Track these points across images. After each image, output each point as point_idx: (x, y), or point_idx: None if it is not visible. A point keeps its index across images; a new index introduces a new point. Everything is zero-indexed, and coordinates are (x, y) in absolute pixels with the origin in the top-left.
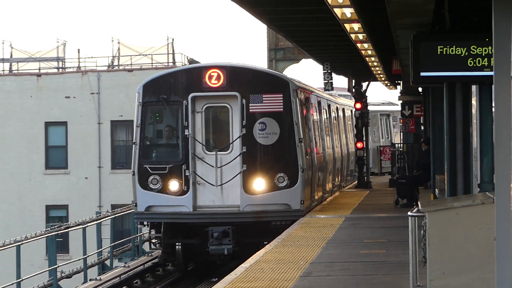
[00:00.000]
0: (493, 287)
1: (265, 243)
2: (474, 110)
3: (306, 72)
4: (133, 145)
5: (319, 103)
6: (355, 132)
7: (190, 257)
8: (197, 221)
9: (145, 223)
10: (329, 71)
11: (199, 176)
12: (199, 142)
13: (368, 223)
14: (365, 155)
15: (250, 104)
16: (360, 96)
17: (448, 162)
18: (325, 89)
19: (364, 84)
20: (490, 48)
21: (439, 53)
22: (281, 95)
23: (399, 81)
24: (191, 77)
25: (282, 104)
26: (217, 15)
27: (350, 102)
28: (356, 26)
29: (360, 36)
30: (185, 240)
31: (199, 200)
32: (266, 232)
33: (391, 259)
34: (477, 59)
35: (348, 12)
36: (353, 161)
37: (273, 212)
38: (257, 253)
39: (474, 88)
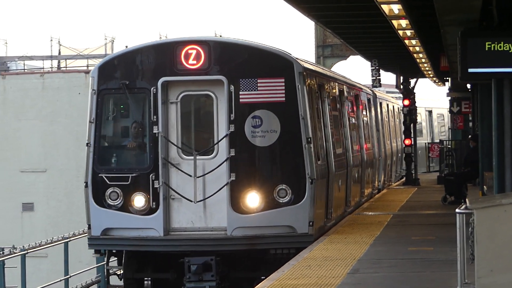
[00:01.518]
0: None
1: (262, 278)
2: None
3: (355, 69)
4: (86, 147)
5: (345, 93)
6: (402, 129)
7: None
8: (170, 249)
9: (102, 250)
10: (377, 67)
11: (173, 189)
12: (173, 144)
13: (416, 220)
14: (413, 152)
15: (240, 92)
16: (408, 92)
17: (496, 158)
18: (373, 86)
19: (412, 81)
20: None
21: (487, 49)
22: (283, 80)
23: (447, 78)
24: (162, 56)
25: (284, 91)
26: (265, 11)
27: (391, 98)
28: (404, 22)
29: (408, 33)
30: (155, 275)
31: (172, 221)
32: (262, 264)
33: (439, 256)
34: None
35: (396, 8)
36: (400, 158)
37: (271, 237)
38: (302, 251)
39: None
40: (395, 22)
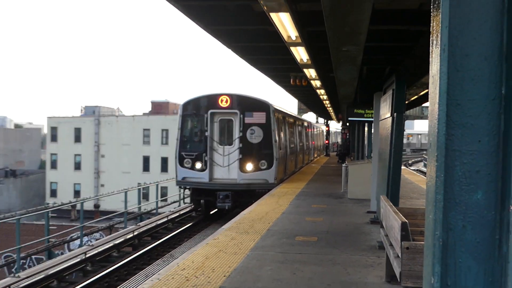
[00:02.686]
0: (370, 193)
1: (253, 201)
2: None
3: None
4: (176, 140)
5: (288, 118)
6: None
7: (209, 207)
8: (211, 188)
9: (181, 187)
10: (317, 116)
11: (213, 161)
12: (214, 140)
13: (328, 169)
14: (328, 145)
15: (245, 118)
16: (327, 124)
17: (355, 149)
18: (316, 122)
19: (329, 121)
20: (372, 109)
21: (354, 112)
22: (265, 113)
23: (341, 120)
24: (210, 100)
25: (265, 118)
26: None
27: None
28: (323, 94)
29: (328, 104)
30: (205, 198)
31: (213, 175)
32: (252, 196)
33: (336, 180)
34: (369, 113)
35: (324, 94)
36: (322, 147)
37: (257, 184)
38: (250, 206)
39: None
40: (326, 104)
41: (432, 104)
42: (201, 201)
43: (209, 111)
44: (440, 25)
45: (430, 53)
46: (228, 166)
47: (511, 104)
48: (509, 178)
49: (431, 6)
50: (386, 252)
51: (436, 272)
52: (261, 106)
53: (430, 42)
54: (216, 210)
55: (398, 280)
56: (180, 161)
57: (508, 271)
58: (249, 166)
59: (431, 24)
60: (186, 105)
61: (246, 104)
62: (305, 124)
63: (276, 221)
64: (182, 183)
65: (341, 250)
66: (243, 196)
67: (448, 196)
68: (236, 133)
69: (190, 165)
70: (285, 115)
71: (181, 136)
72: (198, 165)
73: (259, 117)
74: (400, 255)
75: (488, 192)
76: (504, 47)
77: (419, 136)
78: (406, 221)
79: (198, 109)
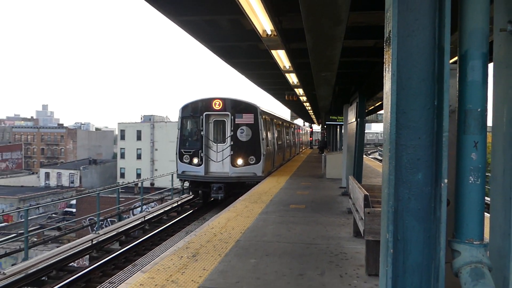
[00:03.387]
0: (342, 174)
1: (243, 192)
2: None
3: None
4: (176, 139)
5: (276, 120)
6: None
7: (206, 197)
8: (206, 180)
9: (181, 180)
10: (304, 121)
11: (208, 157)
12: (209, 138)
13: (312, 158)
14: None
15: (236, 119)
16: (311, 126)
17: (331, 143)
18: (304, 124)
19: (312, 124)
20: (342, 116)
21: (330, 118)
22: (253, 115)
23: (320, 123)
24: (205, 103)
25: (253, 119)
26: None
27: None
28: (308, 105)
29: (311, 112)
30: (202, 189)
31: (208, 169)
32: (243, 188)
33: (317, 165)
34: (340, 119)
35: (309, 106)
36: (302, 144)
37: (246, 177)
38: (258, 184)
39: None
40: (307, 107)
41: (386, 112)
42: (199, 191)
43: (204, 113)
44: (391, 57)
45: (384, 76)
46: (221, 161)
47: (441, 112)
48: (440, 164)
49: (384, 44)
50: (353, 215)
51: (390, 230)
52: (250, 108)
53: (384, 69)
54: (212, 199)
55: (362, 235)
56: (180, 157)
57: (441, 229)
58: (240, 161)
59: (385, 56)
60: (184, 108)
61: (236, 107)
62: (293, 125)
63: (276, 194)
64: (181, 176)
65: (322, 214)
66: (235, 187)
67: (397, 177)
68: (228, 132)
69: (188, 161)
70: (272, 117)
71: (181, 135)
72: (195, 160)
73: (248, 118)
74: (363, 218)
75: (426, 173)
76: (435, 72)
77: (374, 134)
78: (368, 194)
79: (195, 111)
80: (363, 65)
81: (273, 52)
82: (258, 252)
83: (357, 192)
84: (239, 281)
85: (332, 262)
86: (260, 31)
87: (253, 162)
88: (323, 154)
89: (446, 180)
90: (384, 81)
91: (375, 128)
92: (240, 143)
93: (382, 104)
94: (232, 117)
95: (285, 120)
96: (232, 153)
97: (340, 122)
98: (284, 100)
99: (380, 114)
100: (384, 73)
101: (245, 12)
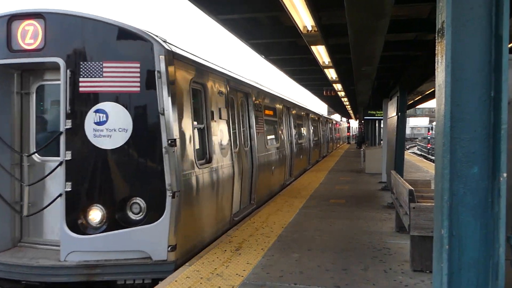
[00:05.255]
0: (381, 169)
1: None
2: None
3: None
4: None
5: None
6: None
7: None
8: None
9: None
10: (341, 116)
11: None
12: (8, 145)
13: (351, 153)
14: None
15: (80, 78)
16: (348, 122)
17: (370, 138)
18: (341, 120)
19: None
20: (380, 111)
21: (368, 112)
22: (138, 65)
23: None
24: None
25: (139, 79)
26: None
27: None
28: (346, 101)
29: (348, 107)
30: None
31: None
32: None
33: (355, 160)
34: (378, 113)
35: (346, 101)
36: (340, 139)
37: (120, 266)
38: (297, 179)
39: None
40: (348, 107)
41: (439, 105)
42: None
43: None
44: (444, 48)
45: (436, 68)
46: (40, 214)
47: (499, 104)
48: (498, 157)
49: (436, 36)
50: (396, 210)
51: (445, 226)
52: (127, 44)
53: (436, 61)
54: None
55: (407, 230)
56: None
57: (499, 225)
58: (96, 215)
59: (437, 48)
60: None
61: (83, 40)
62: (331, 121)
63: (316, 189)
64: None
65: (363, 209)
66: None
67: (452, 171)
68: (62, 123)
69: None
70: (314, 114)
71: None
72: None
73: (120, 75)
74: (408, 213)
75: (482, 167)
76: (492, 62)
77: (412, 129)
78: (412, 188)
79: None
80: (403, 59)
81: (313, 47)
82: (300, 247)
83: (401, 186)
84: (283, 275)
85: (376, 257)
86: (301, 27)
87: (141, 216)
88: (361, 149)
89: (505, 174)
90: (436, 73)
91: (413, 123)
92: (96, 155)
93: (421, 98)
94: (69, 71)
95: (320, 115)
96: (69, 189)
97: (379, 116)
98: (322, 95)
99: (419, 108)
100: (436, 65)
101: (287, 9)
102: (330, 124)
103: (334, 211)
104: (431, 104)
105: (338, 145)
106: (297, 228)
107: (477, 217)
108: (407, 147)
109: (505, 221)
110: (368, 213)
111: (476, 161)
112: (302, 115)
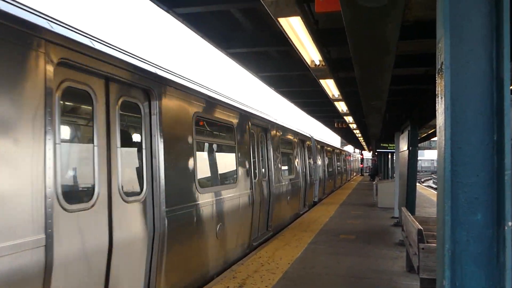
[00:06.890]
0: (394, 203)
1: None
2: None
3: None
4: None
5: (329, 148)
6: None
7: None
8: None
9: None
10: (354, 148)
11: None
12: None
13: (364, 185)
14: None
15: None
16: (361, 153)
17: (383, 171)
18: (353, 152)
19: (362, 151)
20: (393, 143)
21: (380, 145)
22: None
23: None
24: None
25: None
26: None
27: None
28: (358, 133)
29: (361, 139)
30: None
31: None
32: None
33: (367, 193)
34: (391, 146)
35: (358, 133)
36: (352, 171)
37: None
38: (307, 212)
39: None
40: (360, 139)
41: (440, 148)
42: None
43: None
44: (444, 89)
45: (437, 110)
46: None
47: (502, 148)
48: (503, 204)
49: (436, 76)
50: (406, 249)
51: (446, 276)
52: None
53: (436, 102)
54: None
55: (416, 271)
56: None
57: (506, 276)
58: None
59: (437, 89)
60: None
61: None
62: (344, 152)
63: (326, 223)
64: None
65: (373, 245)
66: None
67: (454, 217)
68: None
69: None
70: (328, 146)
71: None
72: None
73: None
74: (417, 253)
75: (486, 214)
76: (494, 105)
77: (426, 161)
78: (421, 228)
79: None
80: (414, 93)
81: (322, 81)
82: (306, 285)
83: (410, 225)
84: None
85: None
86: (309, 62)
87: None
88: (374, 182)
89: (510, 223)
90: (437, 114)
91: (428, 156)
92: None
93: (435, 131)
94: None
95: (335, 147)
96: None
97: (391, 149)
98: (334, 127)
99: (434, 140)
100: (436, 106)
101: (294, 45)
102: (343, 156)
103: (343, 247)
104: None
105: (351, 177)
106: (304, 265)
107: (482, 267)
108: (422, 180)
109: (511, 272)
110: (379, 250)
111: (479, 207)
112: (317, 147)
